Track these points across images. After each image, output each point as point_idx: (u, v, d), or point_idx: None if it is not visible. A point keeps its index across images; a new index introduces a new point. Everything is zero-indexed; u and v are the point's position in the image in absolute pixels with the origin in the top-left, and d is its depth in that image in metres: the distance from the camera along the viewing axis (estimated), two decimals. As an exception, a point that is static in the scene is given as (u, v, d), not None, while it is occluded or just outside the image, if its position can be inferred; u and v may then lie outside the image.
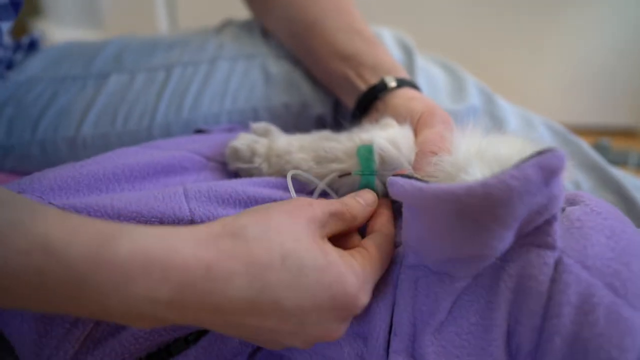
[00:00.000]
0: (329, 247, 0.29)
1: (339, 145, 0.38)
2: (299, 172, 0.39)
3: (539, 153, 0.26)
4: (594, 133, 1.21)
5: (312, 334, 0.28)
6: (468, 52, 1.18)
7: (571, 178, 0.48)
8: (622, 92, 1.20)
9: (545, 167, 0.25)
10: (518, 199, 0.25)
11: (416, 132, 0.38)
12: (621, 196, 0.48)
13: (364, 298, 0.29)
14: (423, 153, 0.35)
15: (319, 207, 0.30)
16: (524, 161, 0.25)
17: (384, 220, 0.35)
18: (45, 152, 0.56)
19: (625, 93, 1.20)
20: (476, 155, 0.31)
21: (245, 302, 0.26)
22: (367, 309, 0.32)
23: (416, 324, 0.31)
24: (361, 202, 0.34)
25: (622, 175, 0.52)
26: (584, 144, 0.53)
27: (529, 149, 0.31)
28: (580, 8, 1.12)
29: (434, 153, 0.34)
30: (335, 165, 0.38)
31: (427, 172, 0.33)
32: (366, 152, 0.37)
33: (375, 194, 0.36)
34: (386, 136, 0.37)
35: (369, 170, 0.37)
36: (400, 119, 0.40)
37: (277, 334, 0.28)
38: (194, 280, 0.24)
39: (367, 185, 0.37)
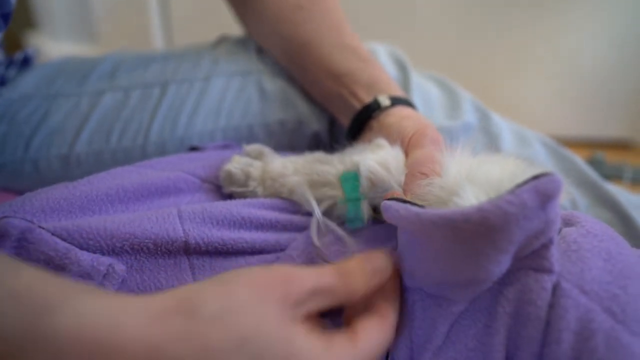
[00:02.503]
0: (299, 332, 0.25)
1: (331, 169, 0.38)
2: (303, 191, 0.38)
3: (535, 177, 0.25)
4: (587, 146, 1.21)
5: None
6: (459, 65, 1.19)
7: (567, 197, 0.48)
8: (616, 103, 1.20)
9: (541, 191, 0.25)
10: (514, 224, 0.25)
11: (407, 153, 0.38)
12: (617, 213, 0.48)
13: None
14: (412, 175, 0.34)
15: (298, 282, 0.26)
16: (520, 186, 0.25)
17: (386, 295, 0.30)
18: (38, 170, 0.56)
19: (619, 105, 1.20)
20: (467, 177, 0.31)
21: None
22: None
23: (413, 349, 0.31)
24: (367, 269, 0.28)
25: (618, 192, 0.52)
26: (579, 160, 0.53)
27: (520, 169, 0.31)
28: (572, 19, 1.13)
29: (424, 174, 0.34)
30: (327, 190, 0.38)
31: (417, 194, 0.33)
32: (349, 179, 0.36)
33: (389, 258, 0.30)
34: (376, 158, 0.37)
35: (354, 197, 0.36)
36: (392, 139, 0.40)
37: None
38: None
39: (354, 212, 0.37)
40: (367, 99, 0.45)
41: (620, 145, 1.23)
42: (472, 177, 0.31)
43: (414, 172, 0.34)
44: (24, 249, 0.31)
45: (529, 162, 0.32)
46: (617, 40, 1.14)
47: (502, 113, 0.56)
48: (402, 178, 0.35)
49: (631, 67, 1.16)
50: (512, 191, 0.25)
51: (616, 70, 1.17)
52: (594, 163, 0.86)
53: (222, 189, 0.43)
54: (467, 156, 0.35)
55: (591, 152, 0.93)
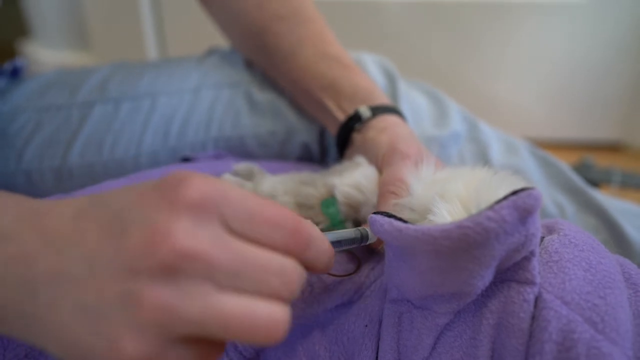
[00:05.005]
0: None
1: (315, 191, 0.39)
2: None
3: (514, 192, 0.26)
4: (577, 148, 1.22)
5: None
6: (446, 68, 1.20)
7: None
8: (605, 105, 1.21)
9: (520, 207, 0.25)
10: (495, 240, 0.25)
11: (381, 170, 0.39)
12: (603, 219, 0.49)
13: None
14: (382, 195, 0.35)
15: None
16: (499, 202, 0.26)
17: None
18: (31, 182, 0.56)
19: (608, 107, 1.21)
20: (437, 194, 0.31)
21: None
22: (354, 346, 0.32)
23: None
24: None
25: (604, 198, 0.52)
26: (566, 167, 0.54)
27: (486, 183, 0.31)
28: (560, 21, 1.14)
29: (394, 194, 0.34)
30: (313, 213, 0.38)
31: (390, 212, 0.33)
32: (329, 205, 0.37)
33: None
34: (349, 182, 0.37)
35: (337, 222, 0.37)
36: (370, 155, 0.40)
37: None
38: None
39: None
40: (350, 110, 0.45)
41: (610, 147, 1.24)
42: (441, 193, 0.31)
43: (383, 191, 0.35)
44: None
45: (494, 172, 0.33)
46: (606, 42, 1.15)
47: (490, 116, 0.57)
48: (376, 198, 0.36)
49: (621, 69, 1.17)
50: (492, 207, 0.25)
51: (605, 71, 1.18)
52: (583, 167, 0.87)
53: None
54: (432, 171, 0.35)
55: (581, 154, 0.94)
